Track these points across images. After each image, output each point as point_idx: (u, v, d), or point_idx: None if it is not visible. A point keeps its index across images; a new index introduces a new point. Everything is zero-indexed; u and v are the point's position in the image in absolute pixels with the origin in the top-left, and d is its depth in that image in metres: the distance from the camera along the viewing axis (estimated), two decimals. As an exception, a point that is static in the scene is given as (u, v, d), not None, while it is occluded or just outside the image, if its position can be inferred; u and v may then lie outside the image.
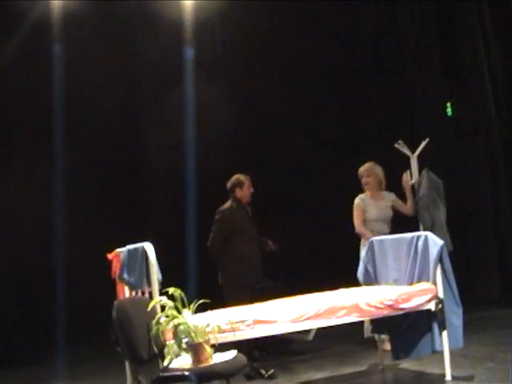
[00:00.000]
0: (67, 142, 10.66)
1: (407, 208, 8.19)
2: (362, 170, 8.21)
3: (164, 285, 5.50)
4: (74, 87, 10.63)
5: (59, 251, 10.30)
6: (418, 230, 8.06)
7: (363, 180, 8.19)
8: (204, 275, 10.01)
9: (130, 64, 11.42)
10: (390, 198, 8.17)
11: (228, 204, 8.26)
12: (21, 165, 10.43)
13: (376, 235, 7.49)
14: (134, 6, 10.97)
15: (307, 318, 5.72)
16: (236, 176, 8.31)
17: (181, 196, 10.96)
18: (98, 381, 8.17)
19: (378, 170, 8.21)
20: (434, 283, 6.17)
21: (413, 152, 8.60)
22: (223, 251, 8.09)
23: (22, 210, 10.33)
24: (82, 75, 10.76)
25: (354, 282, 7.03)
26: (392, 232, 7.82)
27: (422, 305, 6.10)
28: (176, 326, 4.73)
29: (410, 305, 6.05)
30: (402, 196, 8.28)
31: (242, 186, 8.26)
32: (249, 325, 5.51)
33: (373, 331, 7.06)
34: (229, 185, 8.31)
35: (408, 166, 8.56)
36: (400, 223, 8.17)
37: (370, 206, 8.06)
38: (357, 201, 8.09)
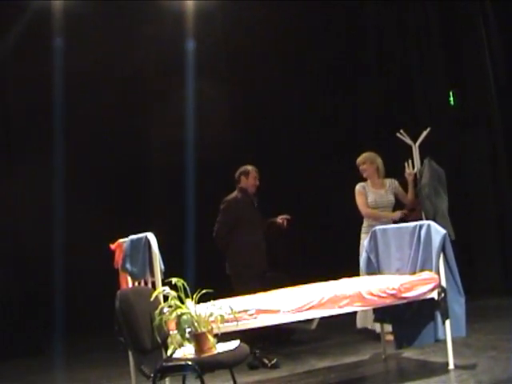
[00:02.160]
0: (67, 137, 10.65)
1: (408, 199, 8.19)
2: (358, 159, 8.23)
3: (166, 275, 5.51)
4: (74, 82, 10.58)
5: (61, 242, 10.30)
6: (420, 219, 8.06)
7: (360, 168, 8.20)
8: (204, 266, 10.03)
9: (130, 58, 11.39)
10: (391, 184, 8.15)
11: (233, 194, 8.25)
12: (21, 160, 10.42)
13: (378, 224, 7.50)
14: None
15: (310, 308, 5.74)
16: (244, 166, 8.32)
17: (181, 188, 10.94)
18: (100, 371, 8.18)
19: (374, 158, 8.19)
20: (437, 272, 6.17)
21: (415, 141, 8.60)
22: (229, 241, 8.09)
23: (22, 204, 10.33)
24: (82, 69, 10.74)
25: (356, 272, 7.04)
26: (394, 221, 7.83)
27: (425, 294, 6.10)
28: (179, 316, 4.74)
29: (412, 294, 6.06)
30: (404, 186, 8.28)
31: (247, 175, 8.25)
32: (252, 314, 5.53)
33: (375, 320, 7.07)
34: (236, 174, 8.32)
35: (410, 156, 8.56)
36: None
37: (369, 192, 8.08)
38: (357, 187, 8.12)
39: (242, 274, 7.96)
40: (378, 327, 7.42)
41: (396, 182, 8.19)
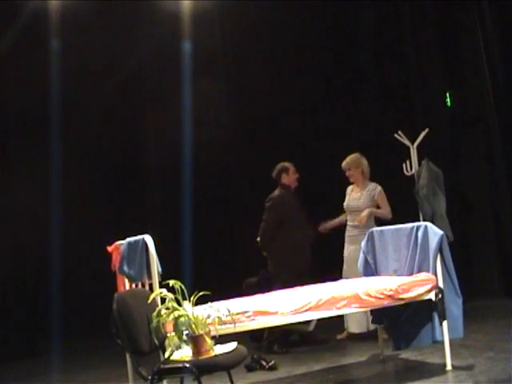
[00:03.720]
0: (65, 137, 10.64)
1: (381, 213, 8.04)
2: (343, 164, 8.23)
3: (164, 277, 5.50)
4: (71, 82, 10.59)
5: (58, 245, 10.28)
6: (418, 220, 8.07)
7: (346, 174, 8.24)
8: (202, 268, 10.04)
9: (127, 58, 11.39)
10: (371, 189, 8.06)
11: (277, 191, 8.19)
12: (18, 161, 10.42)
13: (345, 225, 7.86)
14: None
15: (308, 309, 5.74)
16: (281, 163, 8.29)
17: (178, 190, 10.93)
18: (98, 373, 8.17)
19: (359, 161, 8.17)
20: (434, 273, 6.17)
21: (412, 142, 8.61)
22: (274, 239, 8.05)
23: (20, 205, 10.32)
24: (80, 70, 10.75)
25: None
26: (390, 223, 7.80)
27: (423, 295, 6.10)
28: (176, 318, 4.73)
29: (410, 295, 6.06)
30: (401, 187, 8.26)
31: (287, 171, 8.23)
32: (249, 316, 5.52)
33: (373, 322, 7.07)
34: (275, 172, 8.27)
35: (408, 157, 8.57)
36: (400, 214, 8.16)
37: (347, 196, 8.16)
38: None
39: (284, 273, 7.91)
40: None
41: (377, 190, 8.04)
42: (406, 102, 11.07)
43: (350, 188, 8.23)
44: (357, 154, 8.21)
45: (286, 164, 8.27)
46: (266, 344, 8.08)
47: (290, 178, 8.24)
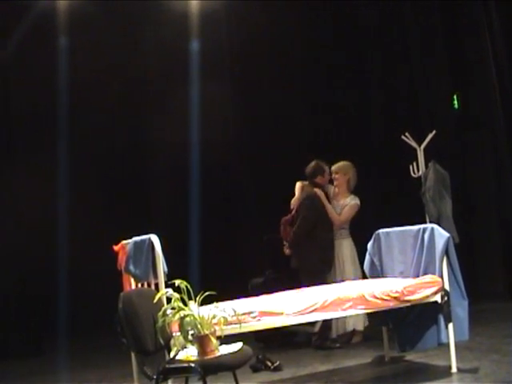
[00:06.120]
0: (70, 137, 10.66)
1: (336, 218, 8.13)
2: (333, 167, 8.32)
3: (170, 277, 5.50)
4: (77, 82, 10.62)
5: (64, 243, 10.31)
6: (424, 222, 8.06)
7: (332, 176, 8.32)
8: (209, 267, 10.04)
9: (134, 58, 11.41)
10: (349, 202, 8.20)
11: (313, 191, 8.18)
12: (23, 160, 10.42)
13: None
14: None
15: (313, 310, 5.75)
16: (315, 162, 8.29)
17: (184, 190, 10.96)
18: (102, 372, 8.17)
19: (348, 169, 8.27)
20: (440, 275, 6.17)
21: (419, 144, 8.60)
22: (309, 235, 8.05)
23: (25, 204, 10.33)
24: (86, 70, 10.76)
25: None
26: (397, 224, 7.79)
27: (428, 297, 6.11)
28: (182, 318, 4.73)
29: (415, 297, 6.06)
30: (408, 189, 8.25)
31: (323, 172, 8.27)
32: (255, 317, 5.53)
33: (378, 324, 7.06)
34: (309, 170, 8.28)
35: (415, 159, 8.56)
36: (406, 216, 8.15)
37: (330, 193, 8.31)
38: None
39: (313, 270, 7.92)
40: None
41: (353, 202, 8.16)
42: (413, 104, 11.05)
43: (333, 188, 8.33)
44: (349, 163, 8.33)
45: (322, 164, 8.28)
46: (318, 342, 8.01)
47: (325, 178, 8.29)
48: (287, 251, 8.34)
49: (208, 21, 11.04)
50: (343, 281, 7.57)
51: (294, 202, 8.34)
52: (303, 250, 8.07)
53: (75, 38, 10.53)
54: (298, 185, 8.36)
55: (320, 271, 7.94)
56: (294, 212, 8.26)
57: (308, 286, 6.88)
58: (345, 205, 8.18)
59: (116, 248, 6.73)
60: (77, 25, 10.38)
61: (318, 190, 8.13)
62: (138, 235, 6.27)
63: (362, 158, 8.42)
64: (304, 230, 8.06)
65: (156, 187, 11.97)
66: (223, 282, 8.00)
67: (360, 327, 8.04)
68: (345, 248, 8.13)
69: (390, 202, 10.72)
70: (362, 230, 8.02)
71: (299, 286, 6.98)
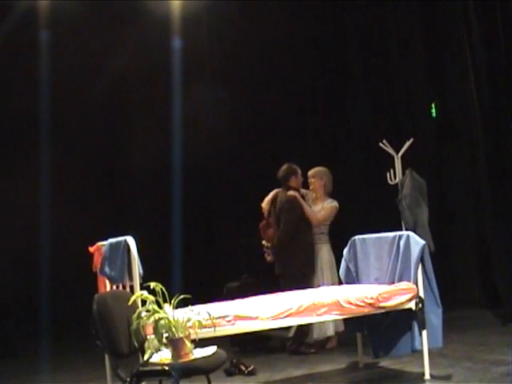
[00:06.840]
0: (52, 139, 10.63)
1: (313, 216, 8.13)
2: (309, 172, 8.32)
3: (147, 279, 5.49)
4: (59, 80, 10.57)
5: (43, 245, 10.26)
6: (400, 229, 8.09)
7: (309, 180, 8.33)
8: (190, 271, 10.02)
9: (116, 58, 11.37)
10: (325, 205, 8.20)
11: (289, 194, 8.12)
12: (6, 160, 10.37)
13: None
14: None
15: (288, 315, 5.75)
16: (287, 165, 8.25)
17: (167, 192, 10.93)
18: (76, 374, 8.13)
19: (324, 174, 8.28)
20: (415, 283, 6.20)
21: (397, 152, 8.64)
22: (291, 239, 8.02)
23: (7, 209, 10.28)
24: (69, 71, 10.73)
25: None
26: (374, 231, 7.82)
27: (403, 304, 6.13)
28: (156, 321, 4.72)
29: (390, 303, 6.08)
30: (385, 196, 8.28)
31: (296, 174, 8.24)
32: (229, 320, 5.53)
33: (352, 329, 7.08)
34: (282, 173, 8.23)
35: (392, 166, 8.59)
36: (383, 222, 8.19)
37: (308, 200, 8.28)
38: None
39: (296, 274, 7.91)
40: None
41: (329, 205, 8.16)
42: (391, 111, 11.10)
43: (310, 193, 8.31)
44: (325, 168, 8.33)
45: (295, 166, 8.26)
46: (293, 347, 8.01)
47: (298, 180, 8.27)
48: (269, 258, 8.32)
49: (190, 21, 11.02)
50: (320, 286, 7.59)
51: (264, 204, 8.33)
52: (286, 256, 8.06)
53: (57, 36, 10.49)
54: (274, 191, 8.37)
55: (304, 275, 7.94)
56: (267, 215, 8.26)
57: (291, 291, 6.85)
58: (323, 208, 8.18)
59: (91, 249, 6.70)
60: (59, 23, 10.34)
61: (293, 192, 8.11)
62: (119, 236, 6.24)
63: (340, 165, 8.42)
64: (289, 234, 8.05)
65: (137, 190, 11.94)
66: (199, 285, 7.99)
67: (332, 332, 8.05)
68: (324, 253, 8.13)
69: (366, 208, 10.74)
70: (338, 236, 8.05)
71: (276, 291, 6.97)
